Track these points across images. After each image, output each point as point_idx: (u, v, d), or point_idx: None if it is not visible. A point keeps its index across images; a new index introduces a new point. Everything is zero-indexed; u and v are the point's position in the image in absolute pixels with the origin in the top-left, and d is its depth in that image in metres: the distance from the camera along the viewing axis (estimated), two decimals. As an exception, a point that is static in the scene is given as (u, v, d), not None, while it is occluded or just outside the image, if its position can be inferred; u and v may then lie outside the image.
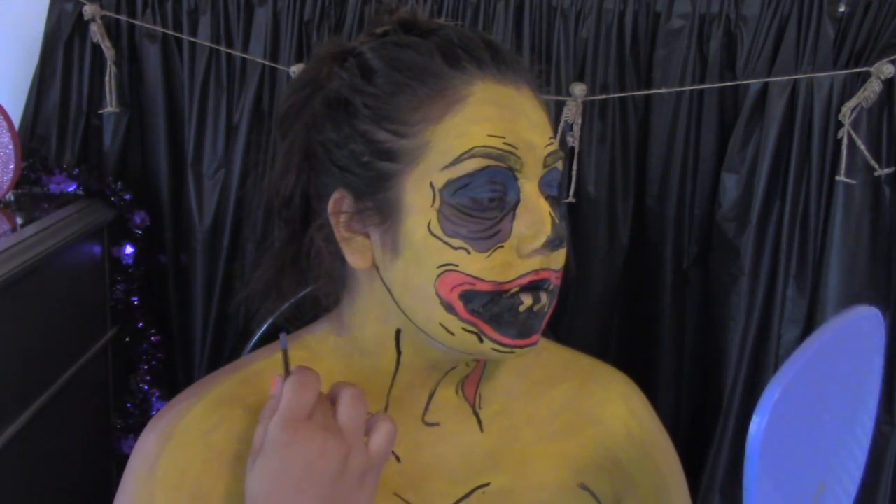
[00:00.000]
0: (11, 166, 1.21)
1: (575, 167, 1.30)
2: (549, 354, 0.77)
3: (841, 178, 1.23)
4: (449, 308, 0.60)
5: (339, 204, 0.64)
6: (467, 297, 0.59)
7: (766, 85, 1.25)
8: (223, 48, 1.34)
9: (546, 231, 0.60)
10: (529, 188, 0.61)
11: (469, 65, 0.62)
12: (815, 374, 0.51)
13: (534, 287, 0.60)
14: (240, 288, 1.41)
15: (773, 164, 1.26)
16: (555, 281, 0.62)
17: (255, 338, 1.05)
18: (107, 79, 1.35)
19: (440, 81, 0.61)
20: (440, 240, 0.59)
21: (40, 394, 1.11)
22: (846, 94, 1.22)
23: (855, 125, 1.22)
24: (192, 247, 1.40)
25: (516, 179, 0.61)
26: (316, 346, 0.70)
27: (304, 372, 0.58)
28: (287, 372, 0.58)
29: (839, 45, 1.23)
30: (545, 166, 0.63)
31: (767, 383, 0.49)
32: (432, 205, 0.60)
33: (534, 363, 0.75)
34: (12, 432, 1.03)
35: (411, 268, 0.61)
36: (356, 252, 0.64)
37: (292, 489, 0.55)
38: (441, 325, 0.61)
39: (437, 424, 0.68)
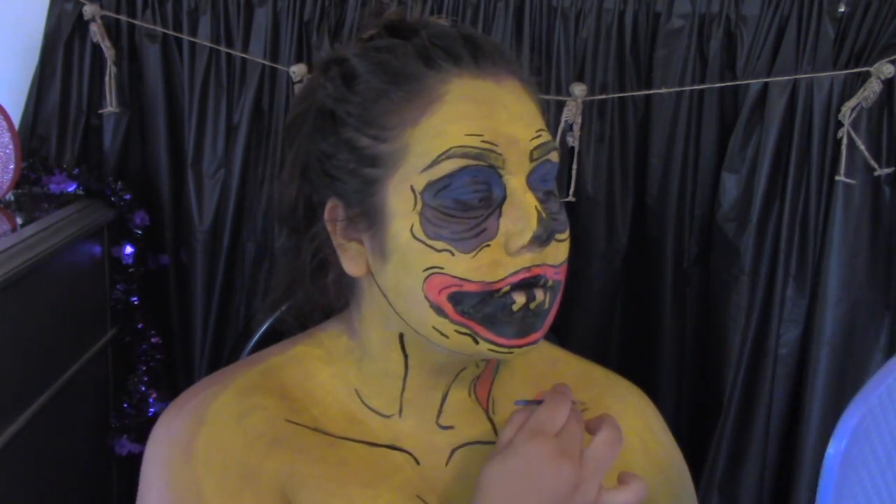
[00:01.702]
0: (11, 166, 1.20)
1: (575, 167, 1.30)
2: (563, 365, 0.77)
3: (841, 178, 1.23)
4: (439, 311, 0.60)
5: (332, 213, 0.65)
6: (456, 298, 0.59)
7: (766, 85, 1.25)
8: (223, 48, 1.34)
9: (532, 226, 0.58)
10: (516, 183, 0.60)
11: (445, 63, 0.61)
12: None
13: (527, 285, 0.59)
14: (240, 288, 1.41)
15: (773, 164, 1.26)
16: (553, 276, 0.61)
17: (256, 337, 1.05)
18: (107, 79, 1.35)
19: (416, 83, 0.61)
20: (423, 243, 0.59)
21: (40, 394, 1.11)
22: (846, 94, 1.22)
23: (855, 125, 1.21)
24: (192, 247, 1.40)
25: (500, 176, 0.59)
26: (329, 343, 0.70)
27: (561, 392, 0.61)
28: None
29: (839, 45, 1.23)
30: (533, 160, 0.61)
31: (847, 404, 0.48)
32: (414, 208, 0.59)
33: (548, 373, 0.75)
34: (12, 432, 1.03)
35: (400, 272, 0.61)
36: (352, 259, 0.64)
37: (519, 493, 0.56)
38: (434, 328, 0.61)
39: (452, 427, 0.68)
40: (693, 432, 1.38)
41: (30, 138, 1.38)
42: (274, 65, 1.33)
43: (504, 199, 0.60)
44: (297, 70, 1.30)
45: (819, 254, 1.27)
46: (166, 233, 1.41)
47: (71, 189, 1.31)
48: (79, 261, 1.26)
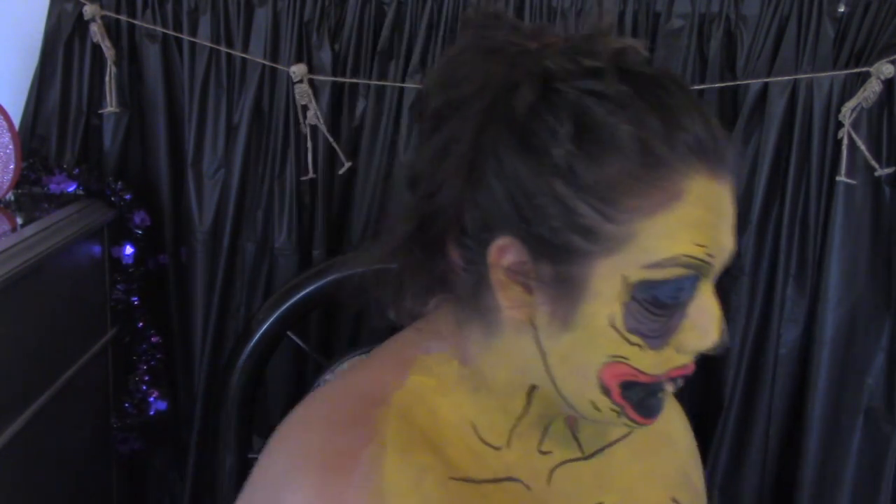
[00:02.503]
0: (11, 166, 1.20)
1: (575, 167, 1.30)
2: None
3: (841, 178, 1.23)
4: (605, 391, 0.58)
5: (503, 252, 0.57)
6: (627, 385, 0.58)
7: (766, 85, 1.25)
8: (223, 48, 1.34)
9: (713, 338, 0.58)
10: (705, 287, 0.58)
11: (689, 153, 0.55)
12: None
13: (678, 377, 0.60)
14: (240, 288, 1.41)
15: (773, 164, 1.26)
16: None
17: (255, 338, 1.04)
18: (107, 79, 1.35)
19: (661, 168, 0.54)
20: (619, 333, 0.57)
21: (40, 394, 1.11)
22: (846, 94, 1.22)
23: (855, 125, 1.21)
24: (192, 247, 1.40)
25: (698, 280, 0.58)
26: (438, 370, 0.64)
27: None
28: None
29: (839, 45, 1.23)
30: (722, 265, 0.60)
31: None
32: (619, 297, 0.56)
33: None
34: (12, 432, 1.03)
35: (578, 347, 0.58)
36: (513, 304, 0.59)
37: None
38: (591, 401, 0.60)
39: (550, 453, 0.68)
40: (694, 432, 1.37)
41: (30, 138, 1.38)
42: (274, 65, 1.33)
43: (690, 298, 0.58)
44: (297, 70, 1.30)
45: (819, 254, 1.27)
46: (166, 233, 1.41)
47: (71, 189, 1.31)
48: (79, 261, 1.26)
